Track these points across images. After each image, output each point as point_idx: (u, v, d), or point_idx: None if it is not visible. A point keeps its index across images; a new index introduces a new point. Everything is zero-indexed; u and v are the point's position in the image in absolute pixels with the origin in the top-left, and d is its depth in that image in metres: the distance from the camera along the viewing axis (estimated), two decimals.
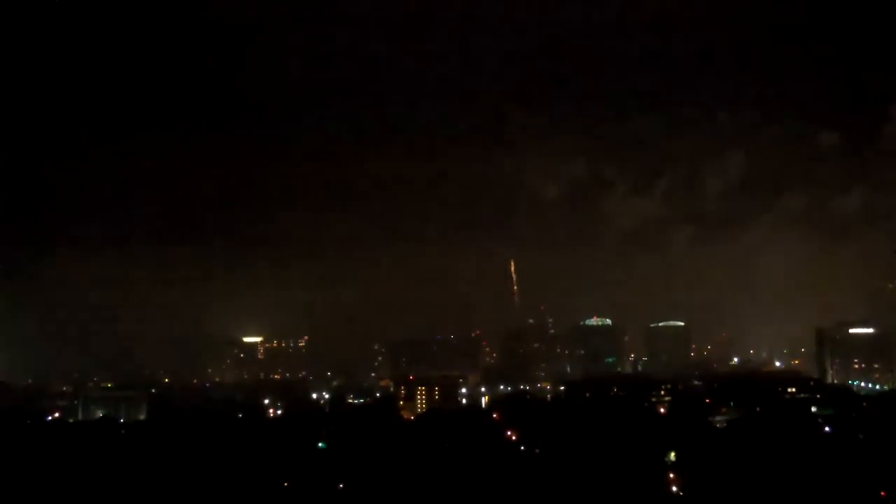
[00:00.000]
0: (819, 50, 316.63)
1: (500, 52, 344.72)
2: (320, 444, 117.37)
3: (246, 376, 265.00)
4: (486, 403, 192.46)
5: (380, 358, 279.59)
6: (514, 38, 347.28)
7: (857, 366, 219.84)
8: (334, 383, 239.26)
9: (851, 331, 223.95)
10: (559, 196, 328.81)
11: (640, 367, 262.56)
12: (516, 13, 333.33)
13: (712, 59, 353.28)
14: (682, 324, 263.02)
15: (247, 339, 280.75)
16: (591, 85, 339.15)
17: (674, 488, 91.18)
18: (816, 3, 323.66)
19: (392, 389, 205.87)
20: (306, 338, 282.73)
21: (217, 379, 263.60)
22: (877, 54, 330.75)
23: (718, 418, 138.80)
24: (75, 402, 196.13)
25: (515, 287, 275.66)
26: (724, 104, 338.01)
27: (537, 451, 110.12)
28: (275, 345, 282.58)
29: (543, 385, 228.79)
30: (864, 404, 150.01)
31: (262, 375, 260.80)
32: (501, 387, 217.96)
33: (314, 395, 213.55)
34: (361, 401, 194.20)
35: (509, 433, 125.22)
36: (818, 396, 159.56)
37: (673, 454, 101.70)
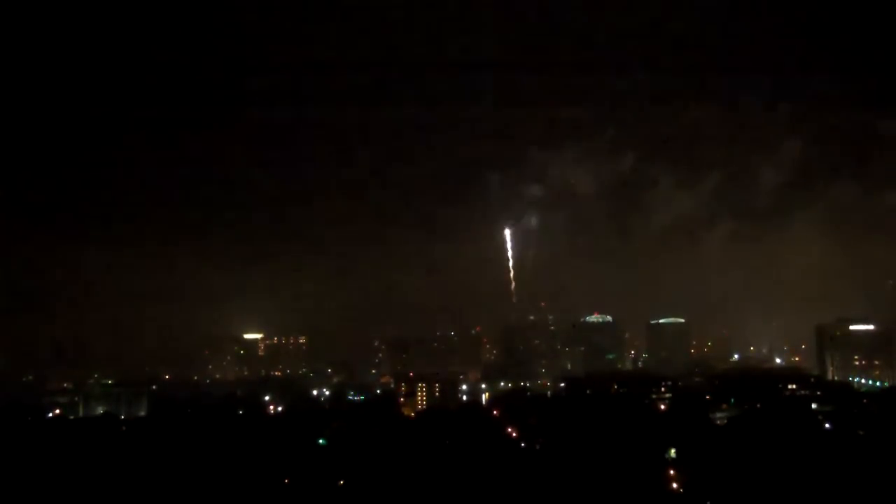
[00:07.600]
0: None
1: (546, 40, 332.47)
2: (321, 441, 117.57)
3: (246, 373, 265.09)
4: (486, 400, 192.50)
5: (380, 355, 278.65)
6: (561, 25, 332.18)
7: (857, 362, 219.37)
8: (335, 380, 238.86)
9: (852, 327, 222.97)
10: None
11: (640, 364, 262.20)
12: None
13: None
14: (682, 320, 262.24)
15: (247, 336, 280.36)
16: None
17: (674, 485, 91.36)
18: None
19: (392, 386, 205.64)
20: (307, 335, 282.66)
21: (218, 375, 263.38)
22: None
23: (719, 415, 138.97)
24: (76, 398, 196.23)
25: (514, 284, 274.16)
26: (724, 103, 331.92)
27: (537, 447, 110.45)
28: (275, 341, 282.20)
29: (544, 382, 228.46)
30: (865, 401, 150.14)
31: (262, 372, 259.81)
32: (502, 383, 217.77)
33: (314, 392, 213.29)
34: (362, 397, 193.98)
35: (510, 430, 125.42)
36: (818, 393, 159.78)
37: (673, 451, 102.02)
